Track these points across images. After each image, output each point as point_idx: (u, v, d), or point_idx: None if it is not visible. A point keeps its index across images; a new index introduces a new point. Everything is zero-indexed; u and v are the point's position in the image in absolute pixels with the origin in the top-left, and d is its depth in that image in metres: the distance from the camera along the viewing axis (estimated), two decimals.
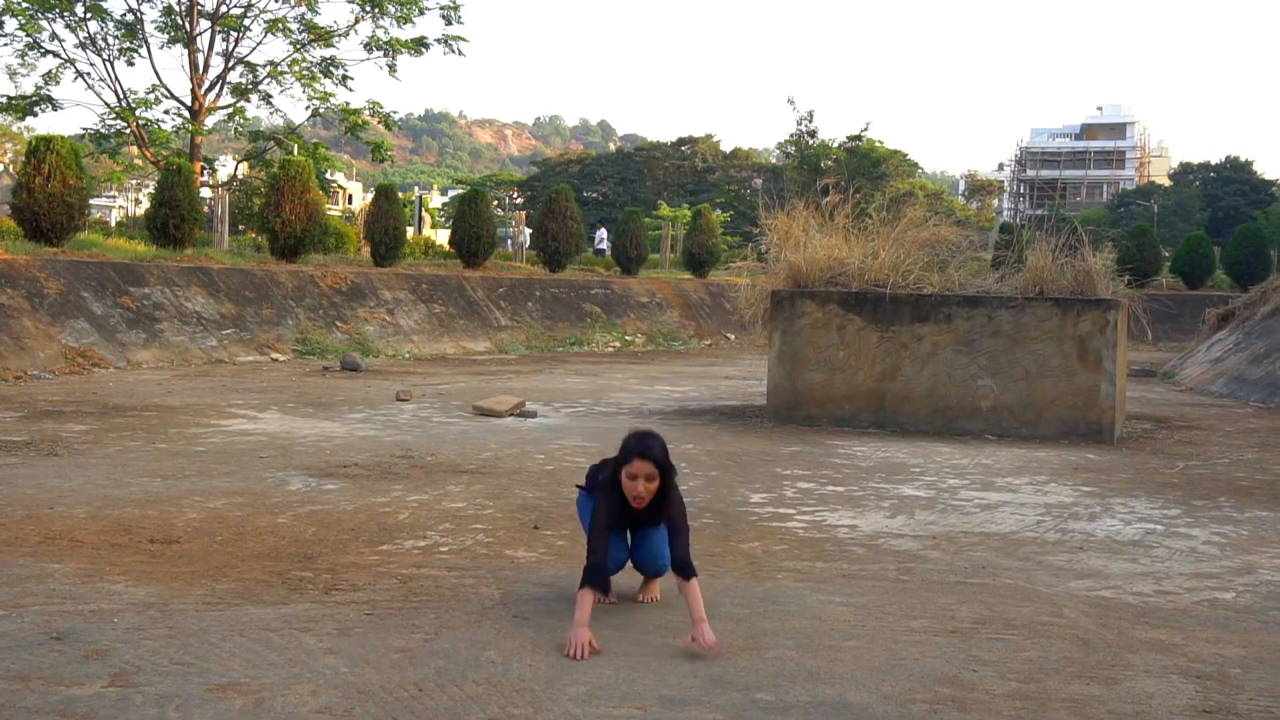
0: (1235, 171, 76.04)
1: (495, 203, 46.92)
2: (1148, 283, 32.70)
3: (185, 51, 30.89)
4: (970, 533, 7.29)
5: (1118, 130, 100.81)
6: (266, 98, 32.89)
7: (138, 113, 30.47)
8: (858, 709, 4.06)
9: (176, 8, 30.58)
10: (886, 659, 4.63)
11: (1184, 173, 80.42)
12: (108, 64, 30.87)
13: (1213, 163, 78.79)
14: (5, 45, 30.83)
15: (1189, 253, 38.15)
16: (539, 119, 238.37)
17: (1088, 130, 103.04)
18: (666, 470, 5.01)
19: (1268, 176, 76.40)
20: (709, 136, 78.61)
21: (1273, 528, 7.64)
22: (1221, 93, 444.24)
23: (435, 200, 78.83)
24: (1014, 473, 9.72)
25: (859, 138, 55.19)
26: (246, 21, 30.95)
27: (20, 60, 30.95)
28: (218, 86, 31.54)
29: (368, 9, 31.28)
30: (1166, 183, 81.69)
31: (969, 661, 4.63)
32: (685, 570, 4.89)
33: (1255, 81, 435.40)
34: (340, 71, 32.27)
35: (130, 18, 30.63)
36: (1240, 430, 13.22)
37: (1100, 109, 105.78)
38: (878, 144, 58.05)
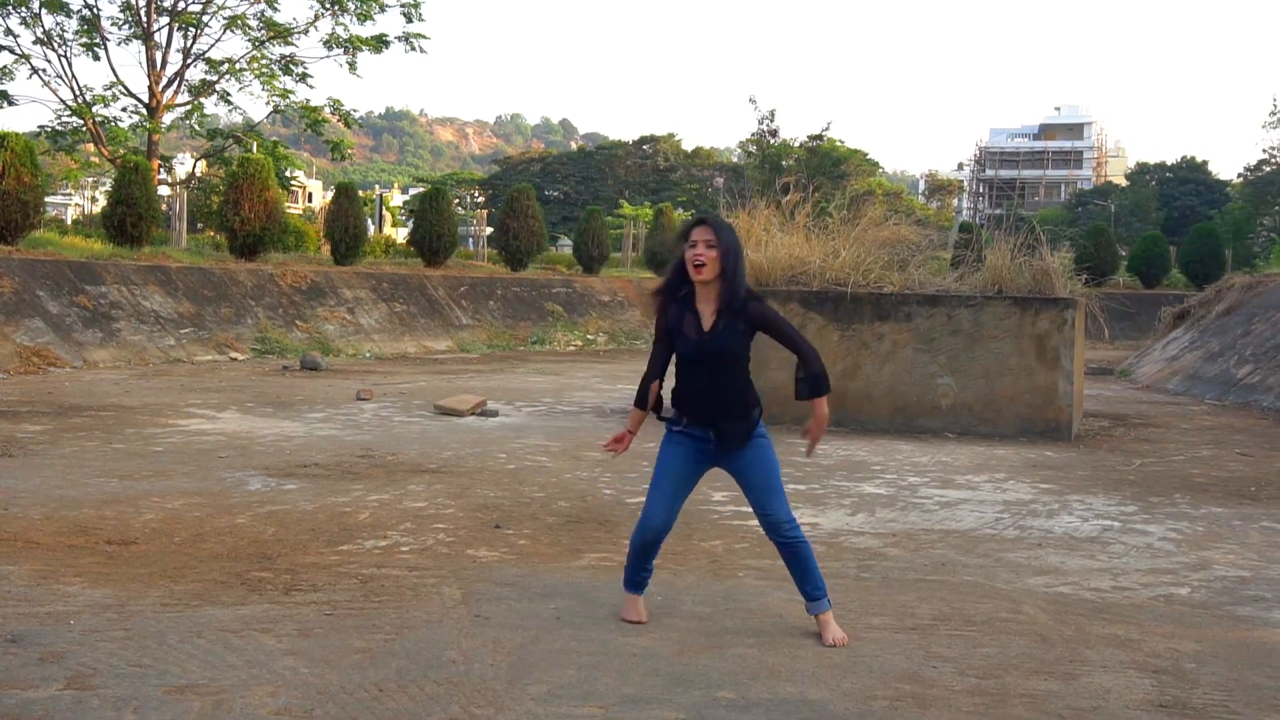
0: (1190, 172, 76.74)
1: (456, 201, 46.74)
2: (1105, 281, 33.00)
3: (143, 48, 30.60)
4: (930, 530, 7.33)
5: (1075, 130, 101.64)
6: (225, 96, 32.63)
7: (94, 110, 30.14)
8: (818, 706, 4.08)
9: (134, 3, 30.28)
10: (847, 656, 4.65)
11: (1140, 173, 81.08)
12: (63, 60, 30.56)
13: (1168, 163, 79.48)
14: None
15: (1145, 252, 38.49)
16: (500, 117, 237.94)
17: (1046, 130, 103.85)
18: (726, 235, 4.83)
19: (1222, 177, 77.13)
20: (670, 135, 78.70)
21: (1227, 524, 7.73)
22: (1177, 94, 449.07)
23: (396, 199, 78.42)
24: (973, 470, 9.79)
25: (820, 137, 55.41)
26: (205, 18, 30.71)
27: None
28: (176, 83, 31.26)
29: (328, 6, 31.10)
30: (1123, 183, 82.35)
31: (929, 658, 4.66)
32: (820, 383, 4.91)
33: (1210, 84, 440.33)
34: (300, 69, 32.08)
35: (87, 13, 30.31)
36: (1195, 428, 13.37)
37: (1058, 109, 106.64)
38: (838, 143, 58.26)
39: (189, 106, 32.09)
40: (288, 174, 34.88)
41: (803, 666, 4.50)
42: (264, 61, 31.78)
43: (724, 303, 4.86)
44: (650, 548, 5.02)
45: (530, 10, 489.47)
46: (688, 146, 79.38)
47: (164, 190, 31.81)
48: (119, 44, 31.08)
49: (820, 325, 12.52)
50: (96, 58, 30.93)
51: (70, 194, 63.64)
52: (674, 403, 4.98)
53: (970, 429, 12.08)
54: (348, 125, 33.89)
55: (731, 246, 4.83)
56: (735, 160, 75.57)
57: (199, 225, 33.01)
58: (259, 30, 31.30)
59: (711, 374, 4.86)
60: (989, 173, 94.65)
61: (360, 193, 31.19)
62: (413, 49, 31.80)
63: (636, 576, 5.09)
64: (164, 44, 30.69)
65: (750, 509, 7.86)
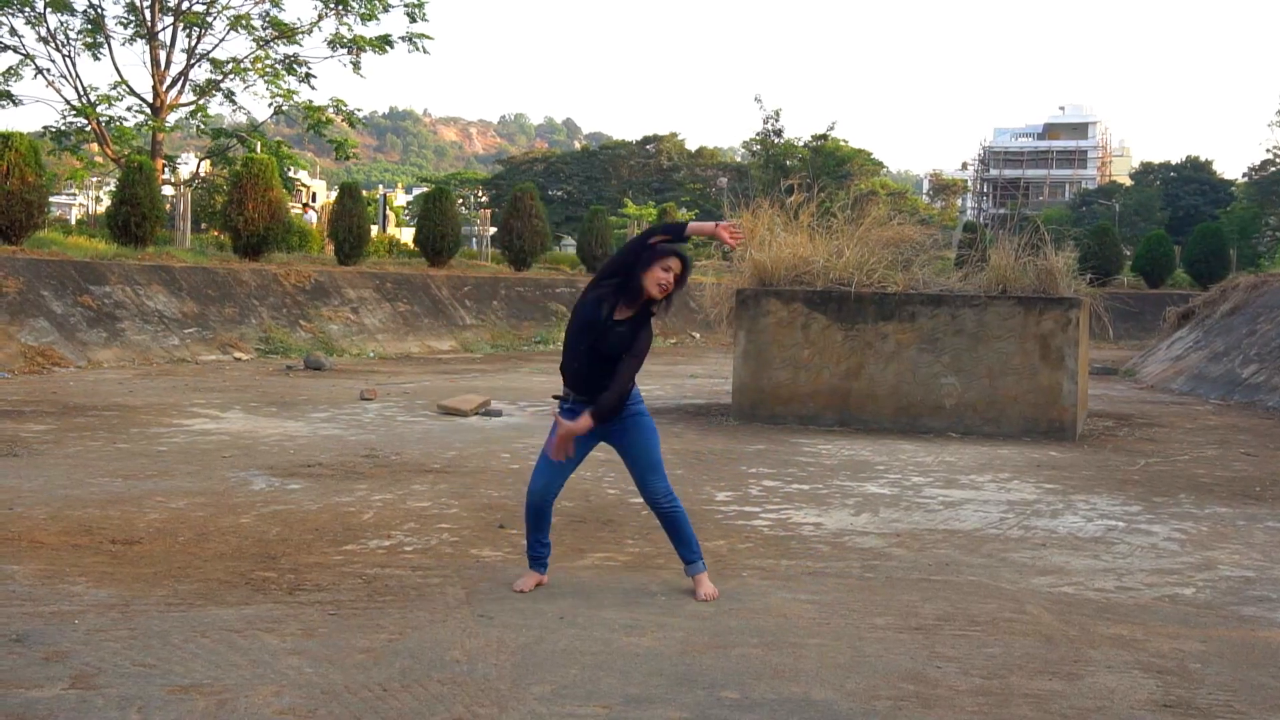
0: (1195, 171, 76.57)
1: (460, 201, 46.78)
2: (1109, 281, 33.00)
3: (147, 47, 30.60)
4: (934, 530, 7.33)
5: (1079, 130, 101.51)
6: (229, 95, 32.63)
7: (99, 110, 30.16)
8: (822, 706, 4.07)
9: (138, 3, 30.28)
10: (851, 656, 4.64)
11: (1145, 172, 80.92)
12: (68, 60, 30.59)
13: (1173, 162, 79.25)
14: None
15: (1150, 251, 38.49)
16: (504, 117, 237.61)
17: (1050, 130, 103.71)
18: (685, 277, 5.27)
19: (1227, 176, 76.95)
20: (674, 135, 78.58)
21: (1232, 524, 7.72)
22: (1182, 93, 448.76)
23: (400, 199, 78.48)
24: (977, 470, 9.78)
25: (824, 137, 55.37)
26: (210, 17, 30.70)
27: None
28: (180, 83, 31.28)
29: (332, 6, 31.08)
30: (1127, 182, 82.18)
31: (933, 658, 4.65)
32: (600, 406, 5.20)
33: (1215, 83, 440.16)
34: (303, 69, 32.08)
35: (91, 13, 30.31)
36: (1200, 427, 13.35)
37: (1062, 109, 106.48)
38: (842, 143, 58.23)
39: (193, 106, 32.10)
40: (290, 173, 34.91)
41: (806, 666, 4.50)
42: (268, 61, 31.78)
43: (643, 312, 5.29)
44: (537, 517, 5.50)
45: (534, 10, 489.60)
46: (691, 146, 79.33)
47: (168, 190, 31.80)
48: (123, 44, 31.11)
49: (824, 325, 12.52)
50: (98, 58, 30.95)
51: (74, 194, 63.61)
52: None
53: (974, 429, 12.07)
54: (351, 125, 33.88)
55: (680, 287, 5.33)
56: (739, 160, 75.53)
57: (203, 225, 33.01)
58: (264, 30, 31.31)
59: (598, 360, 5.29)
60: (993, 172, 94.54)
61: (364, 192, 31.22)
62: (416, 49, 31.76)
63: (533, 551, 5.59)
64: (168, 44, 30.69)
65: (754, 509, 7.87)
